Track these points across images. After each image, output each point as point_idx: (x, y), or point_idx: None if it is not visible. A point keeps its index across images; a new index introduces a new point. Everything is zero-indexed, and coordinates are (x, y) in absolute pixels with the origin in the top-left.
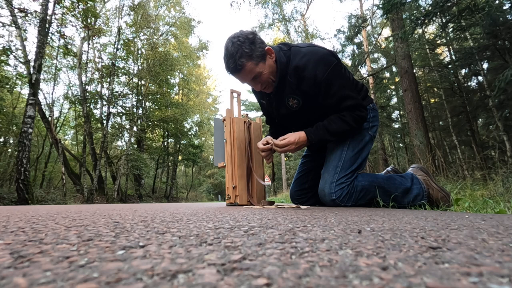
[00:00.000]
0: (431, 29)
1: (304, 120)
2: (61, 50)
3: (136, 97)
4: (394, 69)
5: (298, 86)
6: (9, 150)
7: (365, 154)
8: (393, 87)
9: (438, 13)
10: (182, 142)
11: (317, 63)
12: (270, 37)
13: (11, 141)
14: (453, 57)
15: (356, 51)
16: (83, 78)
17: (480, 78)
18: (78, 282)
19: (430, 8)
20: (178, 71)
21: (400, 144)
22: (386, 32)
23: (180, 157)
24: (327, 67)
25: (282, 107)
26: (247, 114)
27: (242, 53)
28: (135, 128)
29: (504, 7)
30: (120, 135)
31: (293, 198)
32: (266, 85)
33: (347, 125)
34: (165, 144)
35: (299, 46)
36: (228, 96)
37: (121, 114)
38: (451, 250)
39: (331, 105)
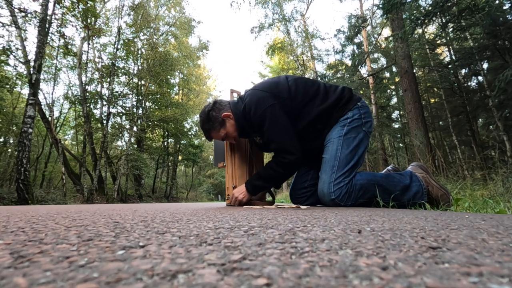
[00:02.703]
0: (431, 29)
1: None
2: (61, 50)
3: (136, 97)
4: (394, 69)
5: (251, 127)
6: (9, 150)
7: (361, 150)
8: (393, 87)
9: (438, 13)
10: (182, 142)
11: (253, 106)
12: (270, 37)
13: (11, 141)
14: (453, 57)
15: (356, 51)
16: (83, 78)
17: (480, 78)
18: (78, 282)
19: (430, 8)
20: (178, 71)
21: (400, 144)
22: (386, 32)
23: (180, 157)
24: (259, 110)
25: (254, 143)
26: None
27: (205, 129)
28: (135, 128)
29: (504, 7)
30: (120, 135)
31: (292, 197)
32: (234, 137)
33: (273, 171)
34: (165, 144)
35: (250, 90)
36: (228, 96)
37: (121, 114)
38: (451, 250)
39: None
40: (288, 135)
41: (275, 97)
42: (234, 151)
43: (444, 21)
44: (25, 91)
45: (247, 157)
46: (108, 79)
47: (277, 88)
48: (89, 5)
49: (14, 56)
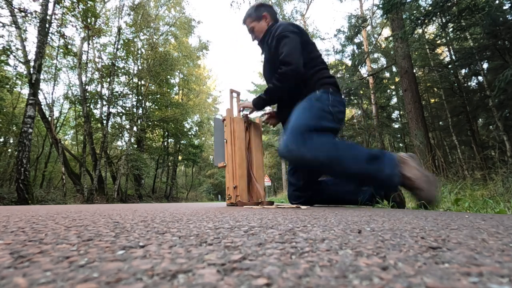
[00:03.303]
0: (431, 29)
1: (265, 75)
2: (61, 50)
3: (136, 97)
4: (394, 69)
5: (267, 43)
6: (9, 150)
7: (326, 124)
8: (393, 87)
9: (438, 13)
10: (182, 142)
11: (280, 26)
12: None
13: (11, 141)
14: (453, 57)
15: (356, 51)
16: (83, 78)
17: (480, 78)
18: (78, 282)
19: (430, 8)
20: (178, 71)
21: (400, 144)
22: (386, 32)
23: (180, 157)
24: (285, 30)
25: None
26: (247, 114)
27: (247, 13)
28: (135, 128)
29: (504, 7)
30: (120, 135)
31: (291, 198)
32: (255, 37)
33: (272, 84)
34: (165, 144)
35: (284, 23)
36: (228, 96)
37: (121, 114)
38: (451, 250)
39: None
40: (298, 53)
41: (299, 30)
42: (234, 151)
43: (444, 21)
44: (25, 91)
45: (247, 157)
46: (108, 79)
47: (300, 29)
48: (89, 5)
49: (14, 56)
